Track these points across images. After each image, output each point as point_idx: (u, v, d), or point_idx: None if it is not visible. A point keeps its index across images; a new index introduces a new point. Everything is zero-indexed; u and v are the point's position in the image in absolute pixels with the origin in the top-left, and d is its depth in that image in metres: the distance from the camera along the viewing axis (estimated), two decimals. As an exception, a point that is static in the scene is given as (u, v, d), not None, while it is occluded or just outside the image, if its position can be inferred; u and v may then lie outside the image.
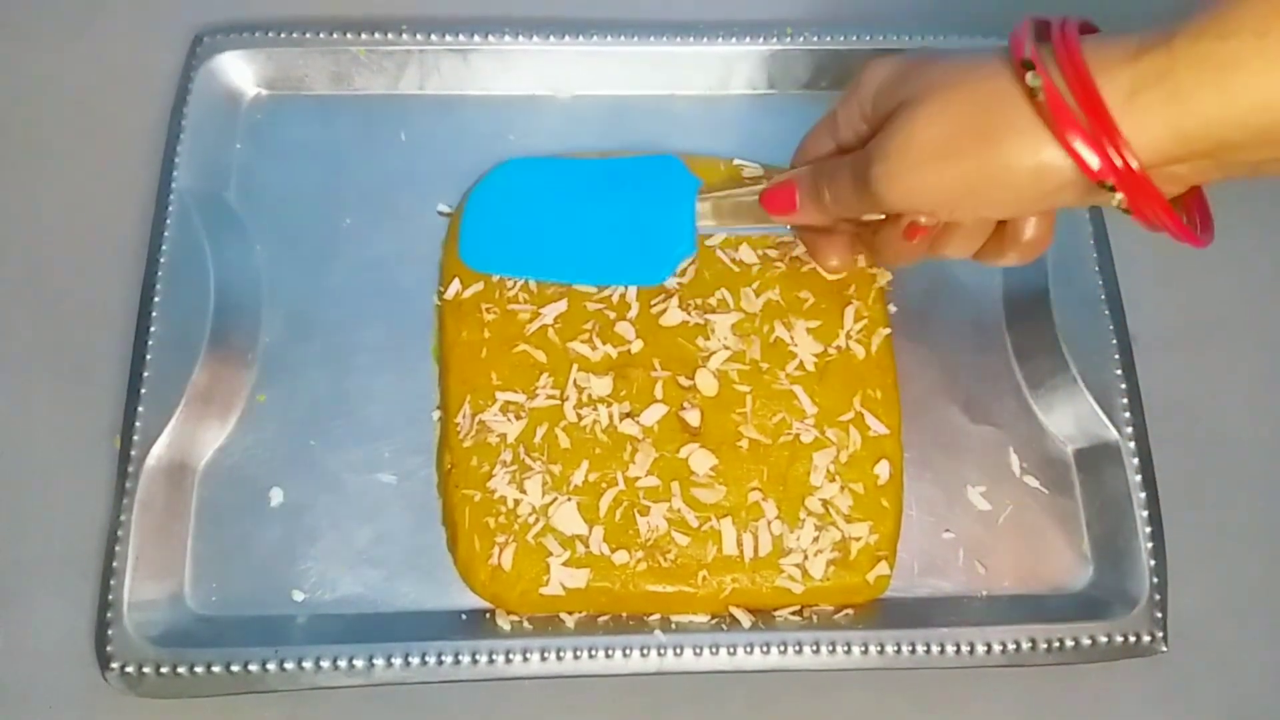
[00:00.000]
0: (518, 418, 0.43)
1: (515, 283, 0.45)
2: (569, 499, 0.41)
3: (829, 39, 0.52)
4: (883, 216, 0.38)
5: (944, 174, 0.33)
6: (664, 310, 0.45)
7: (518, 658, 0.39)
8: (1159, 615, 0.42)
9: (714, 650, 0.40)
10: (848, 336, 0.45)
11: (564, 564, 0.41)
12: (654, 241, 0.44)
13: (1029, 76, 0.31)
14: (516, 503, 0.41)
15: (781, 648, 0.40)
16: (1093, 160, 0.30)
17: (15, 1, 0.53)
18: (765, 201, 0.41)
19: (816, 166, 0.39)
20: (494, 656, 0.39)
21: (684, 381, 0.43)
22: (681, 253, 0.44)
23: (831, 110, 0.39)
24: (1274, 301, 0.50)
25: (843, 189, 0.36)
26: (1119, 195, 0.31)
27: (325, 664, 0.39)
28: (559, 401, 0.43)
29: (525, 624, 0.41)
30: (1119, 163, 0.30)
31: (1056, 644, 0.41)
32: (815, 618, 0.41)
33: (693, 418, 0.43)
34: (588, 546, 0.41)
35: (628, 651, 0.40)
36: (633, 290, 0.45)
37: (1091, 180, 0.31)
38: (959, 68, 0.33)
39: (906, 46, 0.52)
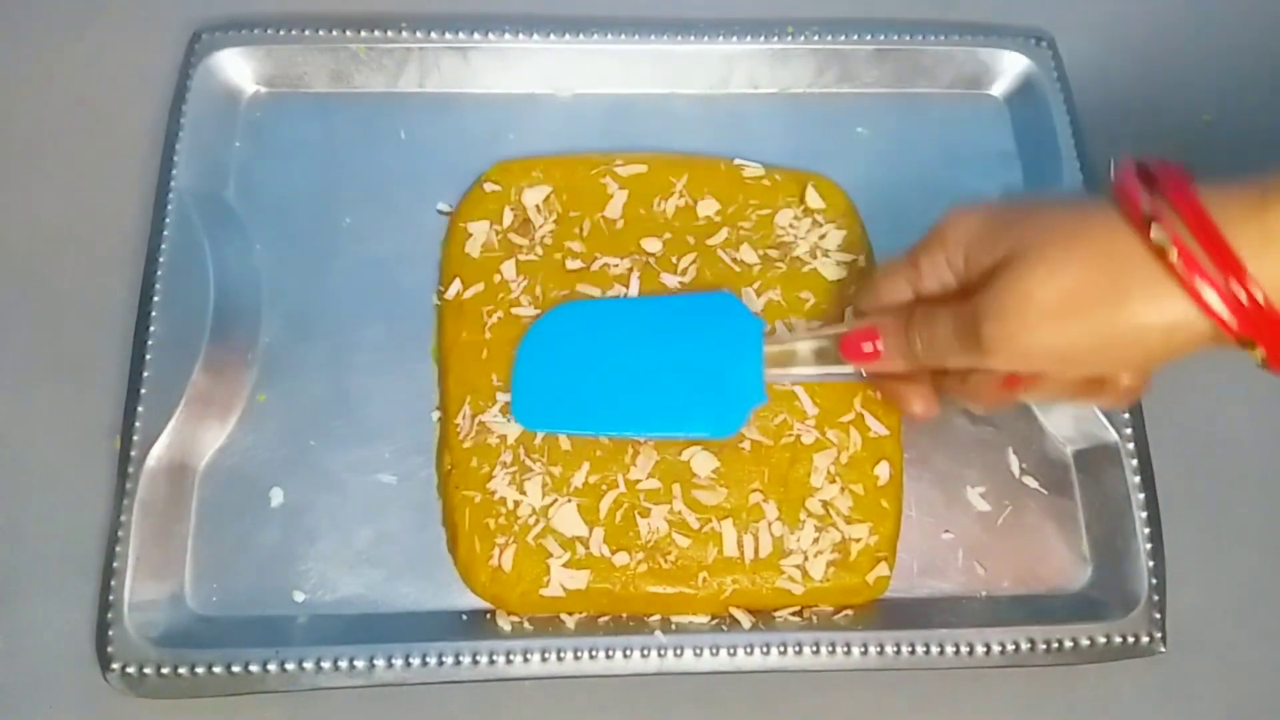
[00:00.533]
0: (518, 418, 0.43)
1: (517, 283, 0.45)
2: (569, 500, 0.41)
3: (830, 38, 0.52)
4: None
5: (1066, 333, 0.31)
6: (664, 310, 0.45)
7: (518, 658, 0.39)
8: (1157, 616, 0.42)
9: (714, 651, 0.40)
10: (848, 337, 0.45)
11: (564, 565, 0.41)
12: (720, 390, 0.41)
13: (1154, 232, 0.30)
14: (516, 504, 0.41)
15: (781, 648, 0.40)
16: (1232, 319, 0.30)
17: (13, 0, 0.52)
18: (846, 350, 0.39)
19: (903, 316, 0.37)
20: (494, 657, 0.39)
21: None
22: (752, 402, 0.41)
23: (908, 256, 0.37)
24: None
25: (942, 342, 0.35)
26: (1260, 350, 0.30)
27: (326, 664, 0.39)
28: (559, 402, 0.43)
29: (526, 624, 0.41)
30: (1258, 317, 0.29)
31: (1055, 644, 0.41)
32: (815, 618, 0.42)
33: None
34: (588, 548, 0.41)
35: (628, 652, 0.40)
36: (634, 291, 0.45)
37: (1231, 338, 0.30)
38: (1067, 219, 0.32)
39: (907, 47, 0.52)
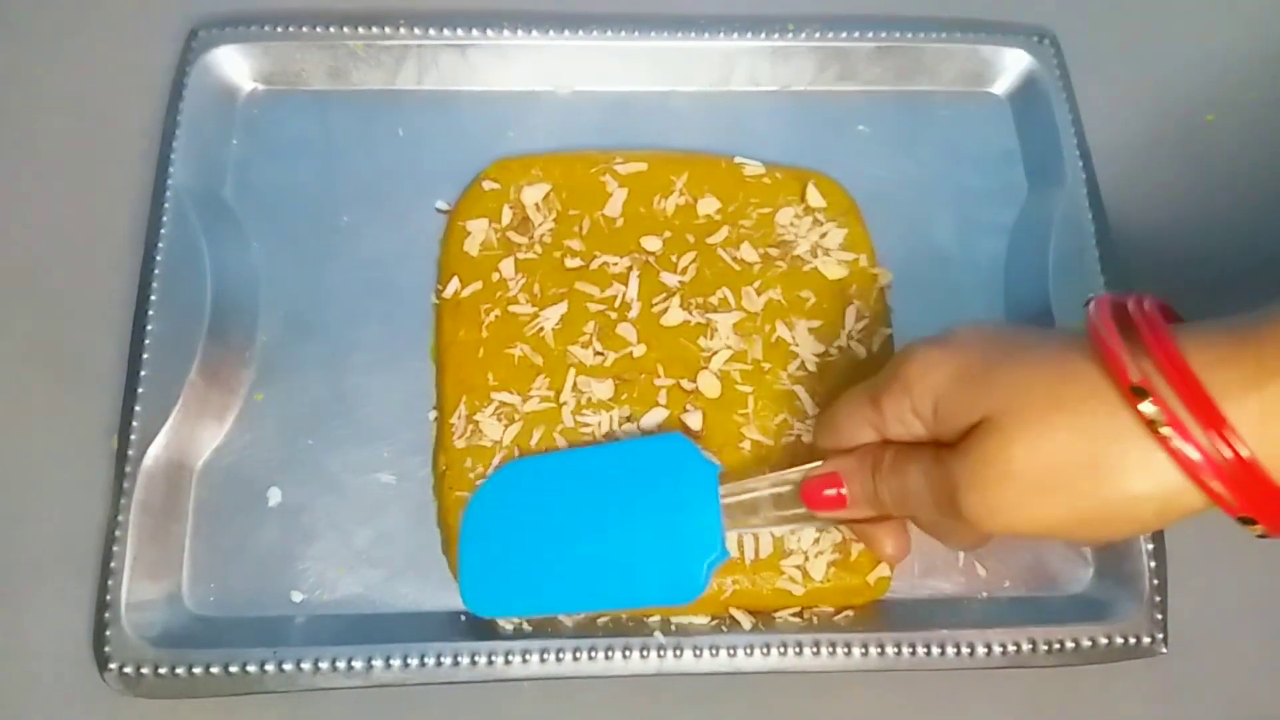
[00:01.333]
0: (513, 420, 0.42)
1: (515, 282, 0.45)
2: None
3: (831, 35, 0.51)
4: None
5: (1051, 507, 0.30)
6: (665, 310, 0.45)
7: (517, 659, 0.39)
8: (1159, 617, 0.42)
9: (714, 651, 0.40)
10: (849, 337, 0.45)
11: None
12: (678, 552, 0.37)
13: (1144, 407, 0.28)
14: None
15: (782, 649, 0.40)
16: (1232, 500, 0.28)
17: (9, -4, 0.52)
18: (808, 498, 0.36)
19: (868, 462, 0.35)
20: (493, 657, 0.39)
21: (686, 385, 0.43)
22: (713, 560, 0.37)
23: (869, 396, 0.35)
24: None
25: (914, 498, 0.33)
26: (1259, 527, 0.28)
27: (324, 665, 0.39)
28: (556, 404, 0.43)
29: (525, 625, 0.41)
30: (1261, 496, 0.27)
31: (1056, 645, 0.41)
32: (815, 619, 0.41)
33: (694, 421, 0.43)
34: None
35: (627, 653, 0.39)
36: (634, 290, 0.45)
37: (1231, 516, 0.28)
38: (1046, 381, 0.30)
39: (909, 44, 0.51)
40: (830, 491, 0.36)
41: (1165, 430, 0.28)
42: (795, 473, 0.37)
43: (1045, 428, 0.29)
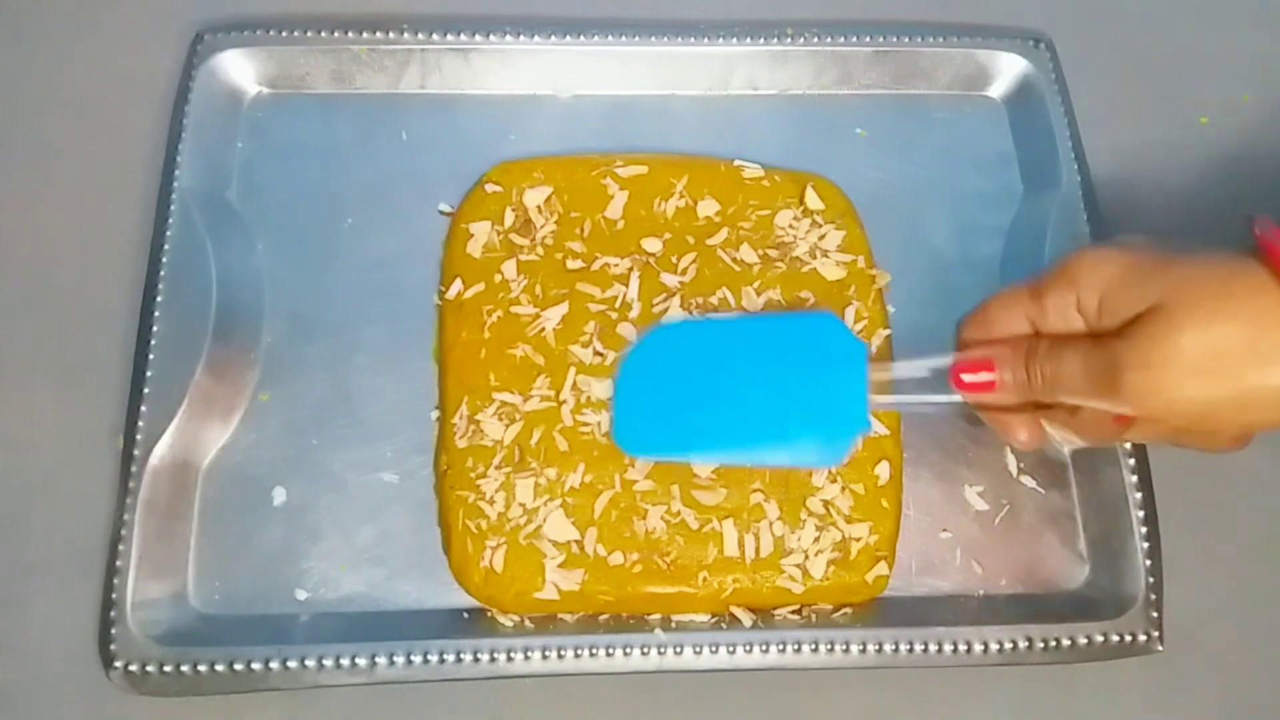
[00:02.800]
0: (514, 420, 0.43)
1: (517, 283, 0.45)
2: (559, 506, 0.41)
3: (829, 39, 0.52)
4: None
5: (1210, 390, 0.32)
6: (665, 310, 0.45)
7: (519, 656, 0.40)
8: (1154, 615, 0.42)
9: (714, 649, 0.40)
10: (847, 337, 0.45)
11: (559, 566, 0.41)
12: (825, 418, 0.39)
13: None
14: (508, 505, 0.41)
15: (780, 646, 0.40)
16: None
17: (15, 1, 0.52)
18: (958, 379, 0.37)
19: (1021, 349, 0.36)
20: (495, 655, 0.40)
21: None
22: (856, 430, 0.39)
23: (1029, 291, 0.37)
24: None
25: (1069, 381, 0.35)
26: None
27: (328, 662, 0.39)
28: (556, 404, 0.43)
29: (526, 622, 0.41)
30: None
31: (1053, 643, 0.41)
32: (814, 616, 0.42)
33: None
34: (582, 549, 0.41)
35: (628, 650, 0.40)
36: (634, 291, 0.45)
37: None
38: (1215, 275, 0.32)
39: (906, 48, 0.52)
40: (982, 376, 0.37)
41: None
42: (945, 358, 0.38)
43: (1214, 314, 0.32)
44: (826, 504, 0.42)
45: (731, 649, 0.40)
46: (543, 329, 0.44)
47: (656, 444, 0.41)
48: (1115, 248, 0.35)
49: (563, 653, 0.40)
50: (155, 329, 0.44)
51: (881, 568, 0.42)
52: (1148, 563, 0.43)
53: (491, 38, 0.51)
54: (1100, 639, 0.41)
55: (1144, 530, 0.43)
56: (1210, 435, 0.36)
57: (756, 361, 0.40)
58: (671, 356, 0.41)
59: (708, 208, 0.48)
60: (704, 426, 0.40)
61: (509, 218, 0.47)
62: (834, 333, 0.41)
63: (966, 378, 0.37)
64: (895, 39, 0.52)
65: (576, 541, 0.41)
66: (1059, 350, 0.35)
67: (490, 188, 0.48)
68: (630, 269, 0.46)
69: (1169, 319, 0.32)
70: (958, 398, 0.38)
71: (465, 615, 0.41)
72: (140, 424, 0.42)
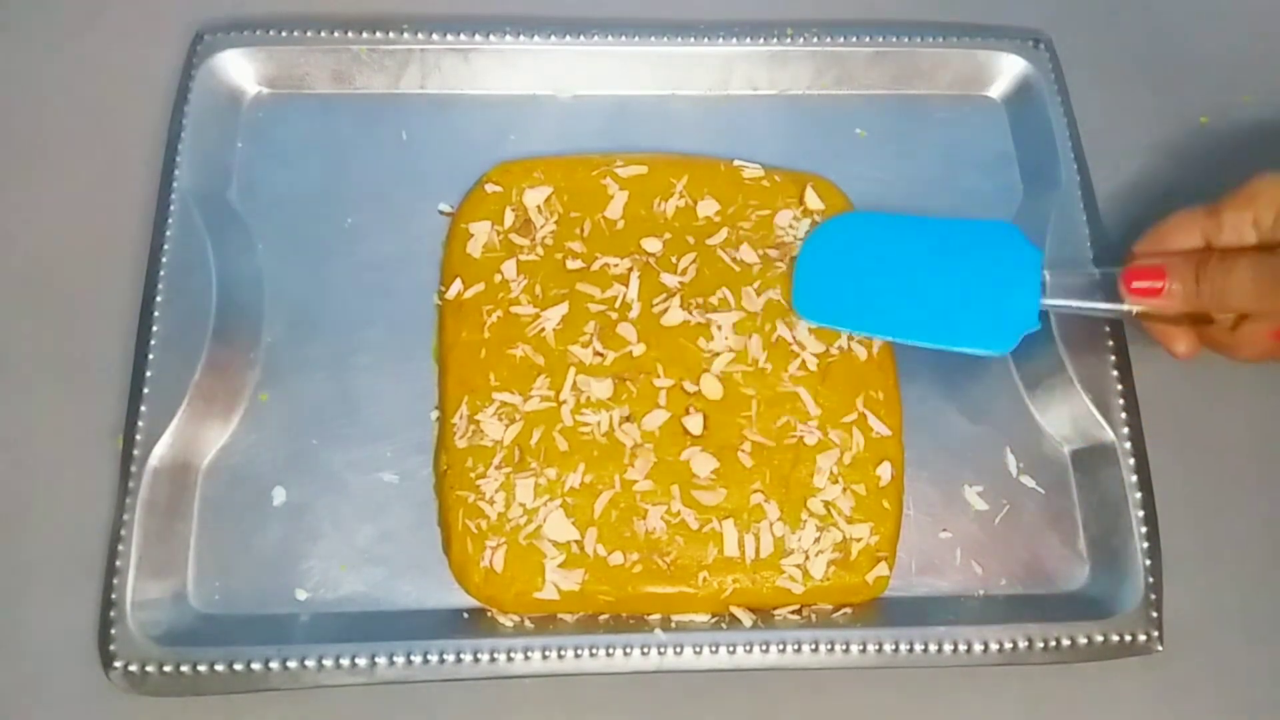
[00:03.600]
0: (514, 420, 0.43)
1: (517, 283, 0.45)
2: (559, 506, 0.41)
3: (829, 39, 0.52)
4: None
5: None
6: (665, 310, 0.45)
7: (519, 656, 0.40)
8: (1154, 615, 0.42)
9: (714, 648, 0.40)
10: (849, 338, 0.45)
11: (559, 566, 0.41)
12: (996, 310, 0.42)
13: None
14: (507, 505, 0.41)
15: (781, 646, 0.40)
16: None
17: (15, 1, 0.52)
18: (1129, 281, 0.40)
19: (1193, 260, 0.39)
20: (495, 655, 0.40)
21: (689, 387, 0.44)
22: (1025, 325, 0.42)
23: (1207, 210, 0.39)
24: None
25: (1239, 289, 0.37)
26: None
27: (328, 663, 0.39)
28: (556, 404, 0.43)
29: (526, 623, 0.41)
30: None
31: (1053, 643, 0.41)
32: (814, 616, 0.42)
33: (695, 425, 0.43)
34: (582, 549, 0.41)
35: (628, 650, 0.40)
36: (634, 291, 0.45)
37: None
38: None
39: (905, 49, 0.52)
40: (1152, 283, 0.39)
41: None
42: (1118, 268, 0.41)
43: None
44: (827, 504, 0.42)
45: (731, 649, 0.40)
46: (543, 329, 0.44)
47: (833, 314, 0.44)
48: None
49: (563, 653, 0.40)
50: (155, 329, 0.44)
51: (882, 568, 0.42)
52: (1147, 563, 0.43)
53: (491, 38, 0.51)
54: (1100, 639, 0.41)
55: (1144, 530, 0.43)
56: None
57: (938, 254, 0.44)
58: (857, 238, 0.45)
59: (707, 208, 0.48)
60: (882, 304, 0.43)
61: (509, 218, 0.47)
62: (1012, 238, 0.43)
63: (1137, 284, 0.40)
64: (895, 39, 0.52)
65: (576, 541, 0.41)
66: (1231, 261, 0.37)
67: (490, 188, 0.48)
68: (630, 269, 0.46)
69: None
70: (1125, 306, 0.41)
71: (465, 615, 0.41)
72: (140, 424, 0.42)
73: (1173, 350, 0.42)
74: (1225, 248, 0.39)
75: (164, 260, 0.45)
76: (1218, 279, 0.38)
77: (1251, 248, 0.38)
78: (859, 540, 0.42)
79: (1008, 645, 0.41)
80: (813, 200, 0.48)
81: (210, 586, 0.42)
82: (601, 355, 0.44)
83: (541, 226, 0.47)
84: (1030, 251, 0.43)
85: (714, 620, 0.41)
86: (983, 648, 0.41)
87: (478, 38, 0.51)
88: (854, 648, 0.40)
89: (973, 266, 0.43)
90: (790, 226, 0.47)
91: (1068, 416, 0.46)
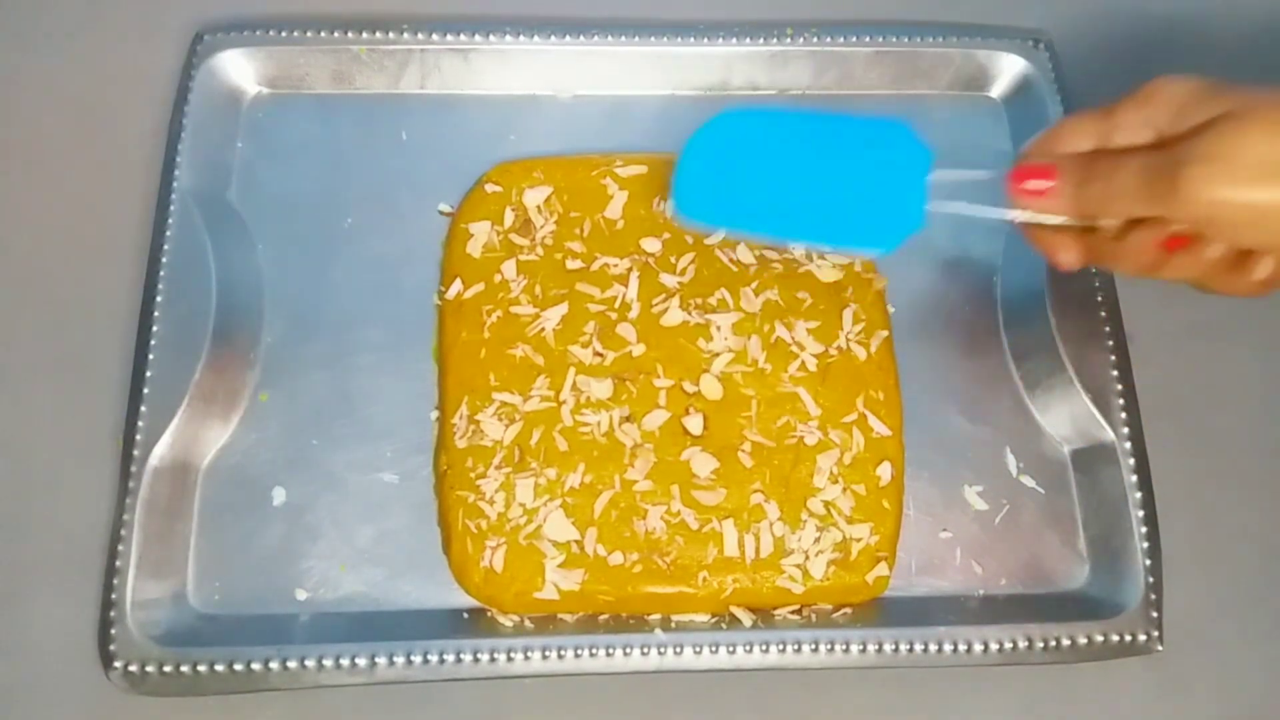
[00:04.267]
0: (514, 420, 0.43)
1: (516, 283, 0.45)
2: (559, 506, 0.41)
3: (829, 39, 0.52)
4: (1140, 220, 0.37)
5: (1265, 193, 0.32)
6: (665, 310, 0.45)
7: (519, 656, 0.40)
8: (1154, 615, 0.42)
9: (714, 649, 0.40)
10: (848, 338, 0.45)
11: (558, 566, 0.41)
12: (882, 210, 0.40)
13: None
14: (507, 505, 0.41)
15: (781, 646, 0.40)
16: None
17: (15, 1, 0.52)
18: (1015, 180, 0.38)
19: (1081, 160, 0.37)
20: (495, 655, 0.40)
21: (689, 387, 0.44)
22: (910, 227, 0.40)
23: (1101, 111, 0.38)
24: (1270, 301, 0.50)
25: (1124, 187, 0.35)
26: None
27: (328, 663, 0.39)
28: (556, 404, 0.43)
29: (526, 623, 0.41)
30: None
31: (1053, 643, 0.41)
32: (814, 616, 0.42)
33: (695, 425, 0.43)
34: (581, 549, 0.41)
35: (628, 650, 0.40)
36: (634, 291, 0.45)
37: None
38: None
39: (905, 48, 0.52)
40: (1040, 183, 0.37)
41: None
42: (1007, 168, 0.39)
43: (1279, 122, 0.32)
44: (827, 505, 0.42)
45: (731, 649, 0.40)
46: (542, 329, 0.45)
47: (715, 213, 0.42)
48: (1190, 75, 0.36)
49: (563, 653, 0.40)
50: (155, 329, 0.44)
51: (882, 568, 0.42)
52: (1148, 562, 0.43)
53: (491, 38, 0.51)
54: (1100, 639, 0.41)
55: (1144, 530, 0.43)
56: (1240, 271, 0.37)
57: (824, 153, 0.41)
58: (741, 135, 0.42)
59: (707, 208, 0.48)
60: (764, 203, 0.41)
61: (509, 218, 0.47)
62: (902, 138, 0.41)
63: (1027, 184, 0.38)
64: (895, 39, 0.52)
65: (576, 541, 0.41)
66: (1121, 159, 0.36)
67: (490, 188, 0.48)
68: (629, 269, 0.46)
69: (1237, 121, 0.33)
70: (1012, 212, 0.39)
71: (465, 615, 0.41)
72: (140, 424, 0.42)
73: (1056, 261, 0.40)
74: (1114, 149, 0.37)
75: (164, 260, 0.45)
76: (1107, 177, 0.36)
77: (1146, 146, 0.36)
78: (859, 540, 0.42)
79: (1008, 645, 0.41)
80: (813, 200, 0.48)
81: (210, 586, 0.42)
82: (601, 355, 0.44)
83: (541, 226, 0.47)
84: (920, 152, 0.41)
85: (714, 620, 0.41)
86: (983, 648, 0.41)
87: (478, 38, 0.51)
88: (854, 648, 0.40)
89: (861, 165, 0.41)
90: (790, 226, 0.47)
91: (1068, 416, 0.46)
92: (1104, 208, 0.37)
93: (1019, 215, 0.39)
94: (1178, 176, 0.33)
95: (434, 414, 0.44)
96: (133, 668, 0.39)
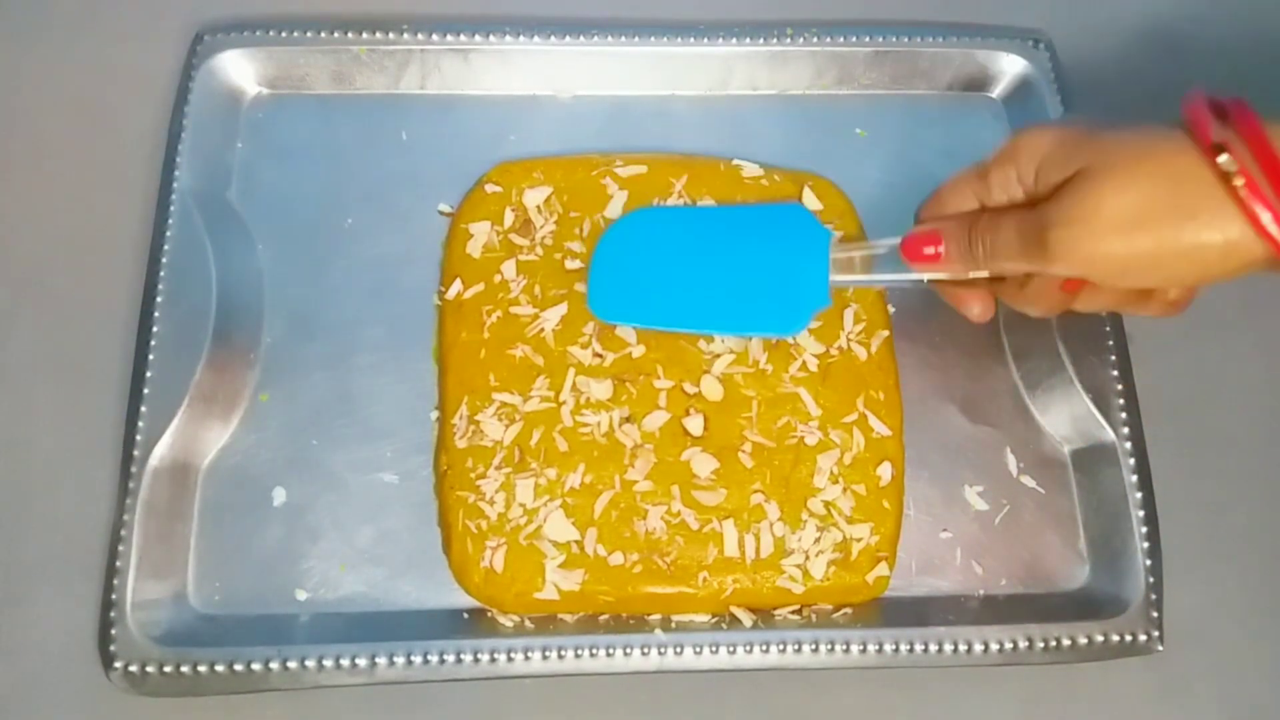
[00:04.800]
0: (514, 420, 0.43)
1: (517, 284, 0.46)
2: (559, 506, 0.41)
3: (829, 39, 0.52)
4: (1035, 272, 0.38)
5: (1128, 245, 0.33)
6: (665, 311, 0.45)
7: (519, 656, 0.40)
8: (1155, 615, 0.42)
9: (714, 649, 0.40)
10: (849, 338, 0.45)
11: (559, 566, 0.41)
12: (787, 293, 0.43)
13: (1223, 160, 0.32)
14: (508, 505, 0.41)
15: (781, 646, 0.40)
16: None
17: (15, 1, 0.53)
18: (907, 249, 0.40)
19: (967, 220, 0.39)
20: (495, 655, 0.40)
21: (689, 388, 0.44)
22: (815, 304, 0.42)
23: (976, 169, 0.39)
24: (1270, 302, 0.50)
25: (1005, 246, 0.37)
26: None
27: (328, 663, 0.39)
28: (556, 404, 0.43)
29: (526, 623, 0.41)
30: None
31: (1053, 643, 0.41)
32: (814, 616, 0.42)
33: (695, 426, 0.43)
34: (582, 549, 0.41)
35: (628, 650, 0.40)
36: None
37: None
38: (1137, 141, 0.34)
39: (905, 48, 0.52)
40: (929, 249, 0.39)
41: (1238, 182, 0.32)
42: (898, 238, 0.40)
43: (1133, 174, 0.33)
44: (828, 505, 0.42)
45: (731, 649, 0.40)
46: (542, 329, 0.45)
47: (628, 312, 0.44)
48: (1053, 125, 0.38)
49: (563, 653, 0.40)
50: (155, 329, 0.44)
51: (882, 568, 0.42)
52: (1148, 562, 0.43)
53: (491, 38, 0.51)
54: (1100, 639, 0.41)
55: (1144, 530, 0.43)
56: (1146, 299, 0.38)
57: (727, 243, 0.44)
58: (647, 235, 0.45)
59: (707, 208, 0.48)
60: (674, 297, 0.43)
61: (509, 218, 0.47)
62: (800, 220, 0.44)
63: (921, 250, 0.39)
64: (895, 39, 0.52)
65: (576, 542, 0.41)
66: (997, 219, 0.37)
67: (490, 188, 0.48)
68: (630, 269, 0.46)
69: (1092, 179, 0.34)
70: (911, 276, 0.40)
71: (465, 615, 0.41)
72: (140, 424, 0.42)
73: (967, 314, 0.41)
74: (996, 207, 0.38)
75: (164, 260, 0.45)
76: (988, 237, 0.38)
77: (1020, 204, 0.37)
78: (859, 540, 0.42)
79: (1008, 645, 0.41)
80: (811, 200, 0.48)
81: (210, 587, 0.42)
82: (601, 356, 0.44)
83: (541, 227, 0.47)
84: (818, 231, 0.44)
85: (714, 620, 0.41)
86: (983, 648, 0.41)
87: (478, 38, 0.51)
88: (854, 648, 0.40)
89: (762, 252, 0.44)
90: (790, 226, 0.47)
91: (1068, 416, 0.46)
92: (991, 266, 0.38)
93: (920, 277, 0.40)
94: (1045, 239, 0.35)
95: (434, 414, 0.44)
96: (133, 668, 0.39)
